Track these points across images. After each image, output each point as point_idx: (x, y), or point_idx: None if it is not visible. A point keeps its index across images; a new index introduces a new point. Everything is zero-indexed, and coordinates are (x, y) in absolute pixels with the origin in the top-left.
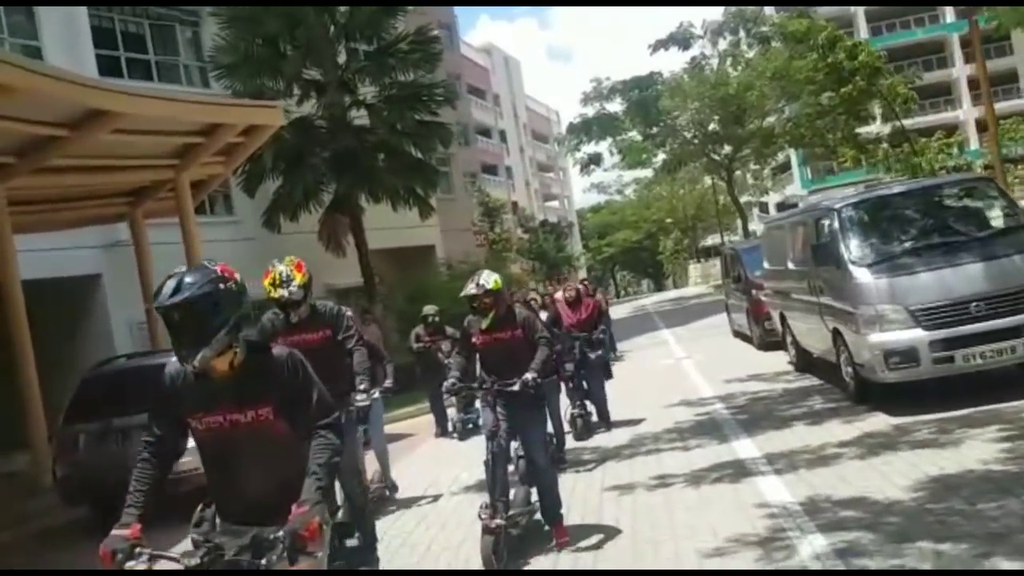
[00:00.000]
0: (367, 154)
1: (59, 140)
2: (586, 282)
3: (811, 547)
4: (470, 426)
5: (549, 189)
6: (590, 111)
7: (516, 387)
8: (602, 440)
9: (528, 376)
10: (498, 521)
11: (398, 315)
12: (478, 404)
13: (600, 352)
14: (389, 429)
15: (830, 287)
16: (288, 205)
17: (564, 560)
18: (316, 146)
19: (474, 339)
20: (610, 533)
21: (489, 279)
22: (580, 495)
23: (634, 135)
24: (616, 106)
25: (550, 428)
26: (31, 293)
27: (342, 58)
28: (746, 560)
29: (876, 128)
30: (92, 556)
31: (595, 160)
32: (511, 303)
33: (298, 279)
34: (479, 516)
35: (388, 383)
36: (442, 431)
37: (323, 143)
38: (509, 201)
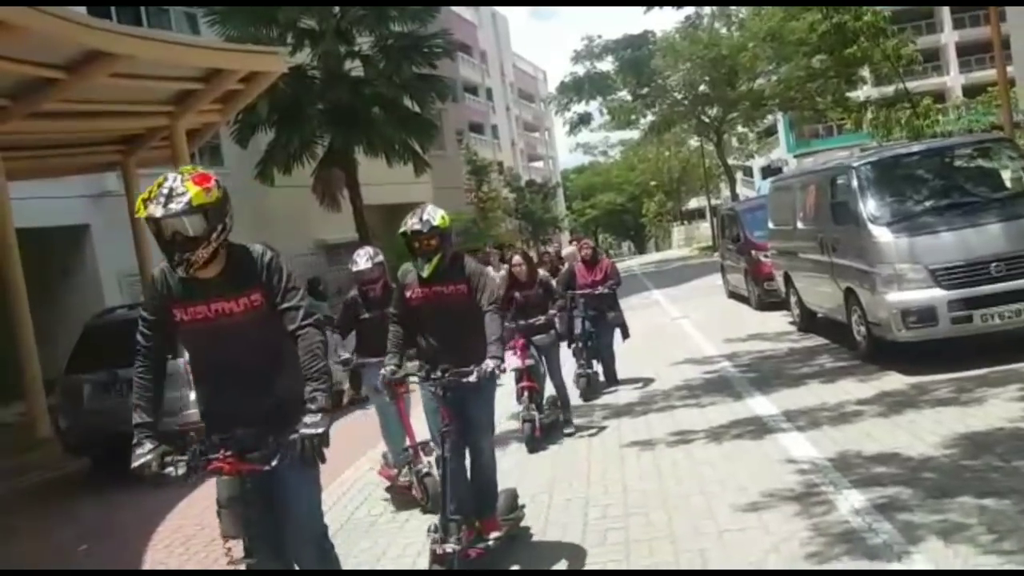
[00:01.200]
0: (363, 106)
1: (56, 83)
2: (579, 242)
3: (849, 502)
4: None
5: (535, 149)
6: (580, 69)
7: (473, 378)
8: (611, 398)
9: (489, 364)
10: (451, 546)
11: (390, 272)
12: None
13: (617, 312)
14: None
15: (845, 246)
16: (282, 157)
17: (593, 513)
18: (311, 97)
19: (408, 293)
20: (637, 488)
21: (435, 214)
22: (598, 451)
23: (624, 95)
24: (607, 65)
25: (552, 390)
26: (21, 242)
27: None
28: (785, 515)
29: (866, 92)
30: (92, 508)
31: (585, 120)
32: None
33: (192, 193)
34: (429, 536)
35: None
36: None
37: (318, 94)
38: (495, 160)
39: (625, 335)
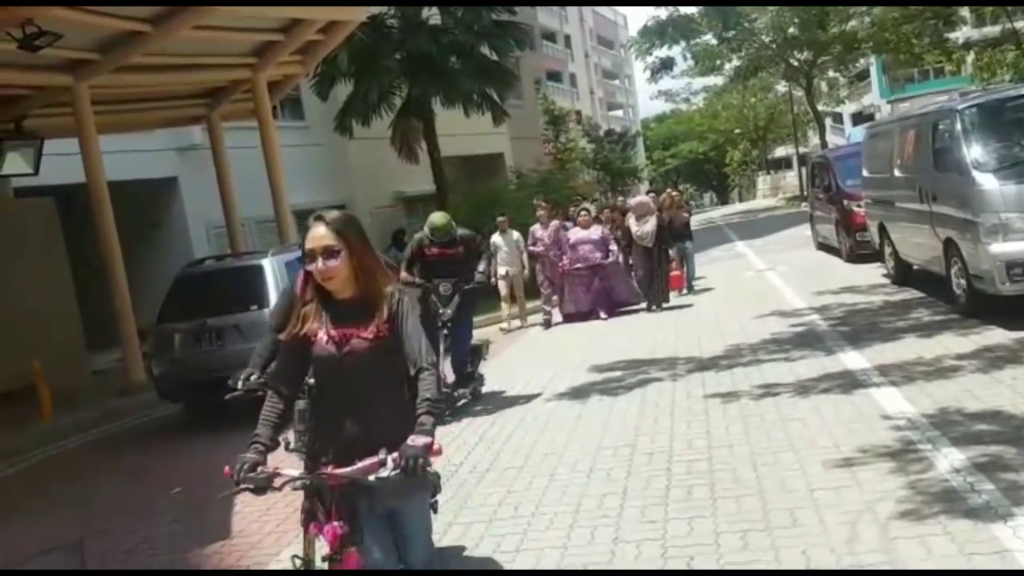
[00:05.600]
0: (441, 55)
1: (142, 36)
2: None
3: (948, 461)
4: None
5: (614, 97)
6: (663, 12)
7: None
8: (696, 351)
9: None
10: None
11: (468, 225)
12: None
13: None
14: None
15: (947, 194)
16: (360, 109)
17: (677, 468)
18: (389, 47)
19: None
20: (723, 443)
21: None
22: (682, 404)
23: (709, 39)
24: (690, 8)
25: None
26: (112, 195)
27: None
28: (879, 472)
29: (965, 33)
30: (183, 451)
31: (667, 65)
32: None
33: None
34: None
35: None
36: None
37: (396, 44)
38: (573, 109)
39: (473, 356)
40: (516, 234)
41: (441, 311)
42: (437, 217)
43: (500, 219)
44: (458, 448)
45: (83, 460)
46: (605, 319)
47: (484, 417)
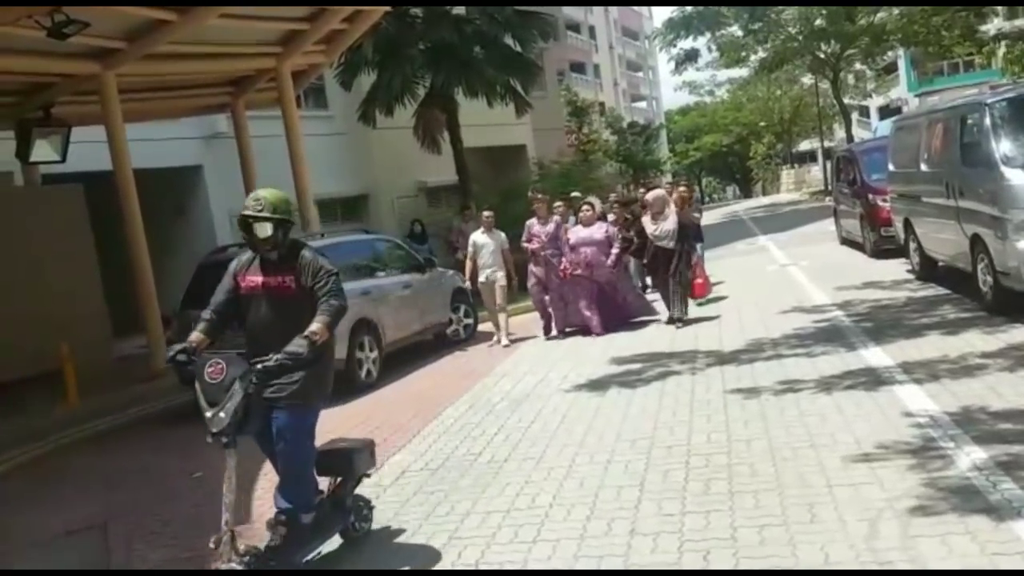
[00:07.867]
0: (465, 46)
1: (168, 25)
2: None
3: (969, 459)
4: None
5: (637, 89)
6: (688, 4)
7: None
8: (716, 345)
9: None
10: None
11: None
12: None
13: None
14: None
15: (974, 190)
16: (384, 98)
17: (695, 462)
18: (413, 37)
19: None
20: (742, 438)
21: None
22: (701, 397)
23: (735, 30)
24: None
25: None
26: (138, 182)
27: None
28: (899, 470)
29: (997, 25)
30: (203, 441)
31: (692, 56)
32: None
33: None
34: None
35: None
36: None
37: (420, 34)
38: (596, 101)
39: None
40: (502, 235)
41: (209, 416)
42: (265, 191)
43: (486, 215)
44: (476, 438)
45: (107, 444)
46: (600, 335)
47: (503, 407)
